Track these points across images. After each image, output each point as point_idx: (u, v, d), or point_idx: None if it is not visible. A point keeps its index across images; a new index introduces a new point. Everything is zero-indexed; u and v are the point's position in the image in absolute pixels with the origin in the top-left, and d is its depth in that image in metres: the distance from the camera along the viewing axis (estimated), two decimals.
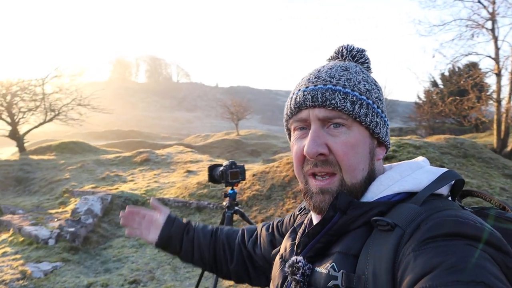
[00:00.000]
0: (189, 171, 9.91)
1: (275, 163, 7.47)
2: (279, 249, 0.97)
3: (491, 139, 17.75)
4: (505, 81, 15.18)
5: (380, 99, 0.79)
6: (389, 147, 0.83)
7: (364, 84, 0.77)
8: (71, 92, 16.78)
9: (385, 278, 0.60)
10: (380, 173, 0.79)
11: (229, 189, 2.77)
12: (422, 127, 28.95)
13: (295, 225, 0.97)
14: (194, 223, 1.24)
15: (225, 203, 2.81)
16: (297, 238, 0.88)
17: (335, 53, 0.86)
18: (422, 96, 28.69)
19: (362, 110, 0.74)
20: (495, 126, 15.93)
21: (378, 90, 0.80)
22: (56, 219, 6.35)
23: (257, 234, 1.17)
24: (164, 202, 7.15)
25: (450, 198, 0.76)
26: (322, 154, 0.73)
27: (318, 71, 0.79)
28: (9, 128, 15.88)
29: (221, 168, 2.70)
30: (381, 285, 0.60)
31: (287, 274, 0.76)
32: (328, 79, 0.76)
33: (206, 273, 4.44)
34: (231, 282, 4.38)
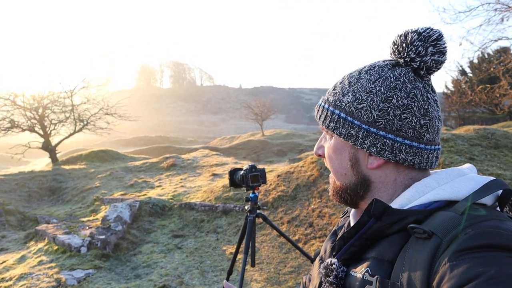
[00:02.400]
0: (214, 174, 9.97)
1: (299, 162, 7.40)
2: (320, 250, 1.00)
3: None
4: None
5: (367, 109, 0.73)
6: (385, 158, 0.74)
7: (349, 96, 0.76)
8: (98, 102, 17.27)
9: (420, 286, 0.58)
10: (392, 181, 0.77)
11: (250, 193, 2.75)
12: (452, 118, 28.08)
13: (336, 228, 0.99)
14: None
15: (247, 207, 2.79)
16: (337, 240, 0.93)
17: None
18: (450, 86, 27.78)
19: (331, 124, 0.78)
20: None
21: (372, 99, 0.73)
22: (87, 227, 6.52)
23: None
24: (191, 206, 7.22)
25: (498, 209, 0.71)
26: (320, 155, 0.86)
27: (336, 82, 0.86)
28: (42, 140, 16.49)
29: (241, 172, 2.68)
30: None
31: (321, 275, 0.77)
32: (326, 94, 0.84)
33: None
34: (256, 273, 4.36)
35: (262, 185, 2.72)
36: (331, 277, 0.73)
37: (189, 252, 5.64)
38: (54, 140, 16.95)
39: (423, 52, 0.72)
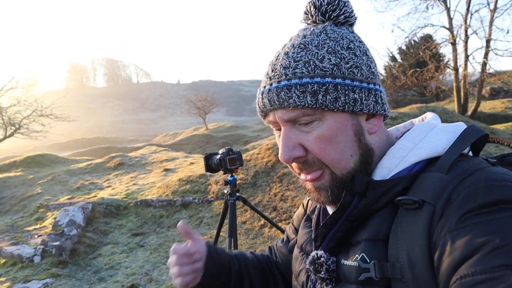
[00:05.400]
0: (167, 170, 9.73)
1: (255, 150, 7.45)
2: (296, 240, 0.90)
3: (451, 106, 18.57)
4: (460, 49, 15.86)
5: (357, 66, 0.65)
6: (386, 113, 0.71)
7: (330, 59, 0.63)
8: (31, 103, 15.96)
9: (423, 263, 0.53)
10: (383, 142, 0.70)
11: (228, 176, 2.73)
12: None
13: (308, 212, 0.90)
14: (230, 251, 1.01)
15: (226, 190, 2.78)
16: (312, 226, 0.82)
17: (305, 13, 0.72)
18: (383, 71, 29.44)
19: (328, 96, 0.62)
20: (454, 93, 16.67)
21: (354, 54, 0.66)
22: (36, 236, 6.08)
23: (274, 251, 1.06)
24: (148, 203, 7.00)
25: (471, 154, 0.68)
26: (298, 157, 0.66)
27: (276, 59, 0.68)
28: None
29: (219, 156, 2.66)
30: (419, 271, 0.53)
31: (309, 272, 0.69)
32: (283, 71, 0.65)
33: None
34: None
35: (239, 167, 2.72)
36: (322, 273, 0.65)
37: (152, 249, 5.47)
38: None
39: (350, 10, 0.70)
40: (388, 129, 0.77)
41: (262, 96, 0.68)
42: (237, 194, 2.74)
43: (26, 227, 7.34)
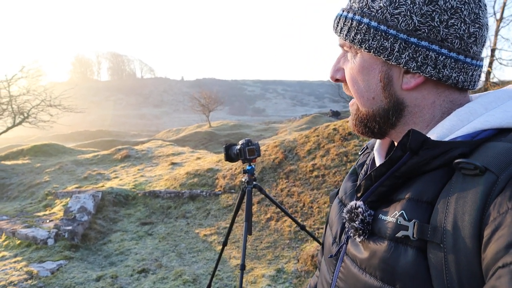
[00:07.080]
0: (173, 163, 9.92)
1: (262, 147, 7.63)
2: (338, 191, 0.88)
3: None
4: None
5: (406, 14, 0.60)
6: (432, 77, 0.62)
7: (381, 0, 0.62)
8: (40, 93, 16.15)
9: (469, 232, 0.48)
10: (436, 107, 0.65)
11: (247, 166, 2.91)
12: None
13: (356, 166, 0.87)
14: None
15: (244, 179, 2.96)
16: (358, 180, 0.81)
17: None
18: None
19: (358, 36, 0.64)
20: None
21: (423, 2, 0.59)
22: (48, 220, 6.29)
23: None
24: (156, 194, 7.19)
25: None
26: (338, 79, 0.72)
27: None
28: None
29: (238, 147, 2.84)
30: (463, 239, 0.49)
31: (344, 220, 0.68)
32: (348, 3, 0.70)
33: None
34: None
35: (257, 157, 2.90)
36: (357, 222, 0.64)
37: (161, 237, 5.66)
38: None
39: None
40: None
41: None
42: (254, 182, 2.93)
43: (36, 212, 7.54)
